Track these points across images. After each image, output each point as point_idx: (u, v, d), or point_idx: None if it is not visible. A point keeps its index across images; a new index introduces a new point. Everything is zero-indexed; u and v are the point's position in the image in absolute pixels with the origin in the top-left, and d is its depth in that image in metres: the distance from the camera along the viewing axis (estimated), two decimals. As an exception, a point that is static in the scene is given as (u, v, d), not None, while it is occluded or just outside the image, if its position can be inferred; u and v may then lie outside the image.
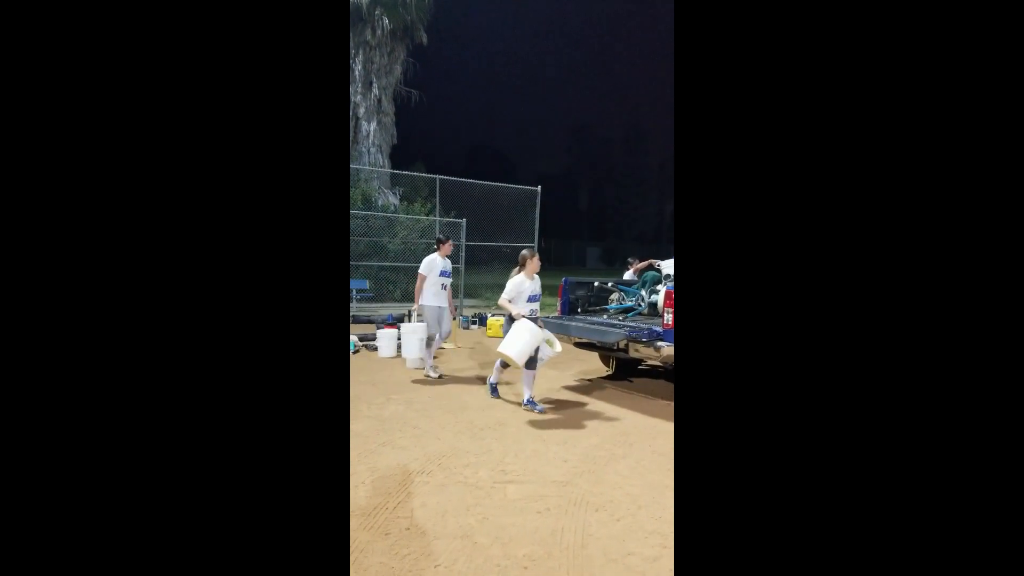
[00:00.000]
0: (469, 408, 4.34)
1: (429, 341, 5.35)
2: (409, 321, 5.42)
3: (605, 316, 5.35)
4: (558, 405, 4.51)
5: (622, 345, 4.54)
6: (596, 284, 5.78)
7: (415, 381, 5.23)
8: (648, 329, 4.38)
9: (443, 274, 5.24)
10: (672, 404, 4.57)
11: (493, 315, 8.73)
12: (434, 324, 5.27)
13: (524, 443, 3.53)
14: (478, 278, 13.25)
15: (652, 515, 2.56)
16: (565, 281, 5.48)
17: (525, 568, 2.08)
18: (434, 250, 5.37)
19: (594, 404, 4.57)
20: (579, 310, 5.53)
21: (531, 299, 4.46)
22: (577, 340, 5.03)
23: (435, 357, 5.63)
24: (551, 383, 5.25)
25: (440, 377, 5.35)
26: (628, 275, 6.48)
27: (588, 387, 5.19)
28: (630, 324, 4.72)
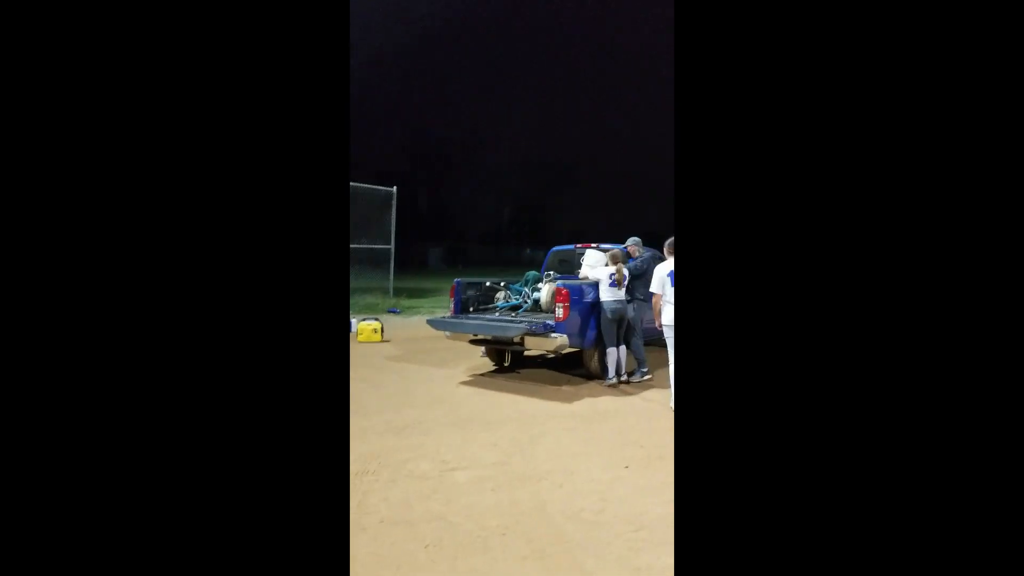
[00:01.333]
0: (381, 411, 4.42)
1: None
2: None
3: (497, 314, 5.74)
4: (465, 399, 4.79)
5: (517, 340, 4.99)
6: (488, 284, 6.16)
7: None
8: (543, 323, 4.88)
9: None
10: (561, 388, 5.13)
11: (364, 319, 8.60)
12: None
13: (450, 436, 3.77)
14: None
15: (585, 479, 3.01)
16: (457, 283, 5.76)
17: (503, 535, 2.37)
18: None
19: (497, 395, 4.93)
20: (471, 309, 5.86)
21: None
22: (473, 337, 5.37)
23: None
24: (447, 382, 5.50)
25: None
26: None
27: (484, 381, 5.54)
28: (525, 319, 5.18)
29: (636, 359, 5.42)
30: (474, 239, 53.61)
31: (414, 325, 10.21)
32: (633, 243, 5.62)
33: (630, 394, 4.97)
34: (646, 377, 5.42)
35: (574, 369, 5.88)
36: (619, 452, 3.44)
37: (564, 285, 4.97)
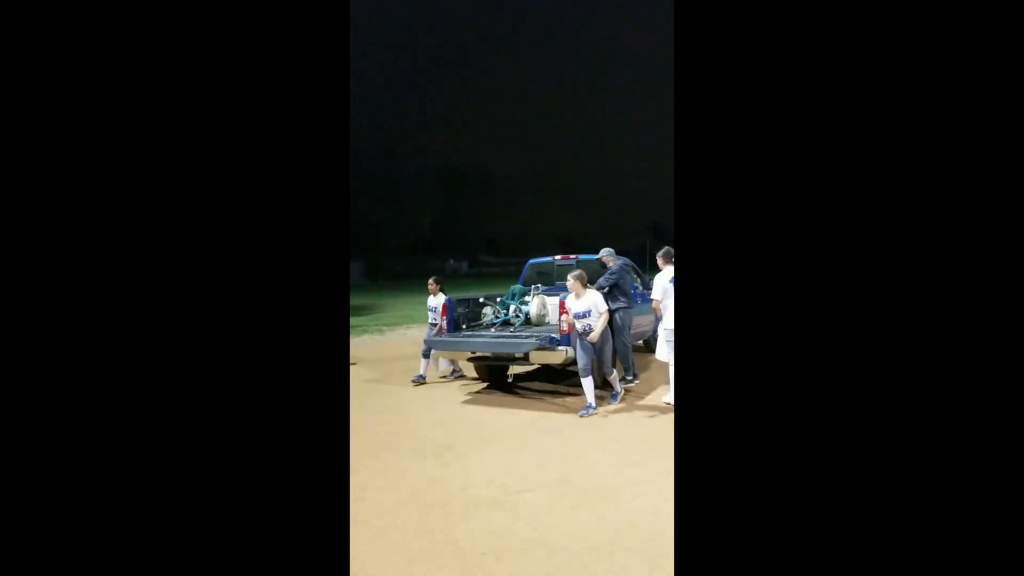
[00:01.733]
0: (399, 438, 4.26)
1: None
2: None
3: (492, 330, 5.71)
4: (477, 418, 4.72)
5: (520, 355, 5.02)
6: (481, 299, 6.11)
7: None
8: (549, 337, 4.93)
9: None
10: (565, 401, 5.20)
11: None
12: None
13: (488, 457, 3.71)
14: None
15: (653, 489, 3.08)
16: (448, 300, 5.67)
17: (612, 553, 2.40)
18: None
19: (507, 411, 4.90)
20: (464, 326, 5.79)
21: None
22: (472, 354, 5.32)
23: None
24: (446, 401, 5.40)
25: None
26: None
27: (485, 398, 5.47)
28: (531, 334, 5.20)
29: (624, 366, 5.62)
30: (393, 251, 52.46)
31: (372, 345, 9.87)
32: (607, 254, 5.82)
33: (633, 400, 5.13)
34: (634, 383, 5.62)
35: (554, 382, 5.99)
36: (664, 459, 3.56)
37: (565, 299, 5.05)
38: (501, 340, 5.09)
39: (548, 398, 5.33)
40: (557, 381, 6.03)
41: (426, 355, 5.94)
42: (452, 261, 53.33)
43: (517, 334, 5.31)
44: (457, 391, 5.78)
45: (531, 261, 7.07)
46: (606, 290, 5.49)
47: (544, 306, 5.91)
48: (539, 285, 6.25)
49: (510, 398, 5.39)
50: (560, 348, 4.90)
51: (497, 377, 6.09)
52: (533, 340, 4.85)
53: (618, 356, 5.62)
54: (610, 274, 5.54)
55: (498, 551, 2.45)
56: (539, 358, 5.00)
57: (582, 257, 6.71)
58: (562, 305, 5.01)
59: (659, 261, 5.16)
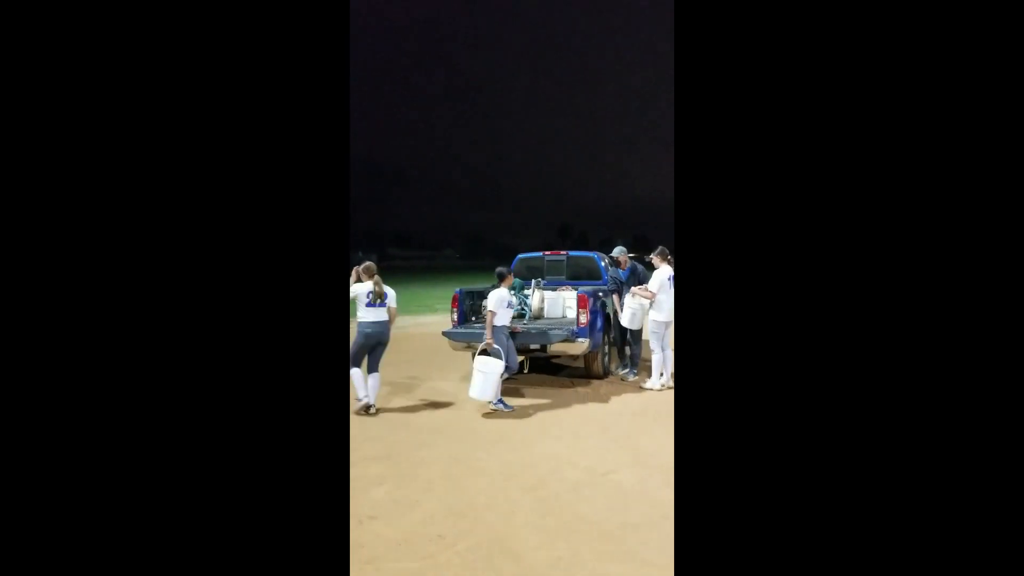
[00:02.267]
0: (449, 426, 4.25)
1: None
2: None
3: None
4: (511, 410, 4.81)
5: (535, 346, 5.21)
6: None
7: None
8: (570, 329, 5.15)
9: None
10: (577, 390, 5.44)
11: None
12: None
13: (547, 445, 3.85)
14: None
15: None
16: (459, 292, 5.67)
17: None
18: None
19: (530, 402, 5.04)
20: (473, 319, 5.81)
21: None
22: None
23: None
24: (460, 391, 5.41)
25: None
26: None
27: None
28: (555, 326, 5.37)
29: (630, 359, 5.95)
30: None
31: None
32: (620, 252, 6.18)
33: (646, 389, 5.45)
34: (635, 376, 5.99)
35: (559, 372, 6.23)
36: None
37: (584, 292, 5.29)
38: (530, 331, 5.22)
39: (560, 388, 5.53)
40: (546, 371, 6.26)
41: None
42: (361, 253, 51.58)
43: (538, 325, 5.47)
44: (460, 383, 5.79)
45: (520, 256, 7.20)
46: (615, 287, 5.85)
47: (543, 300, 6.10)
48: (540, 280, 6.42)
49: (525, 388, 5.52)
50: (580, 340, 5.13)
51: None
52: (561, 332, 5.04)
53: (630, 349, 5.96)
54: (629, 272, 5.94)
55: (635, 524, 2.62)
56: (561, 349, 5.21)
57: (572, 254, 6.98)
58: (582, 299, 5.24)
59: (655, 260, 5.58)
